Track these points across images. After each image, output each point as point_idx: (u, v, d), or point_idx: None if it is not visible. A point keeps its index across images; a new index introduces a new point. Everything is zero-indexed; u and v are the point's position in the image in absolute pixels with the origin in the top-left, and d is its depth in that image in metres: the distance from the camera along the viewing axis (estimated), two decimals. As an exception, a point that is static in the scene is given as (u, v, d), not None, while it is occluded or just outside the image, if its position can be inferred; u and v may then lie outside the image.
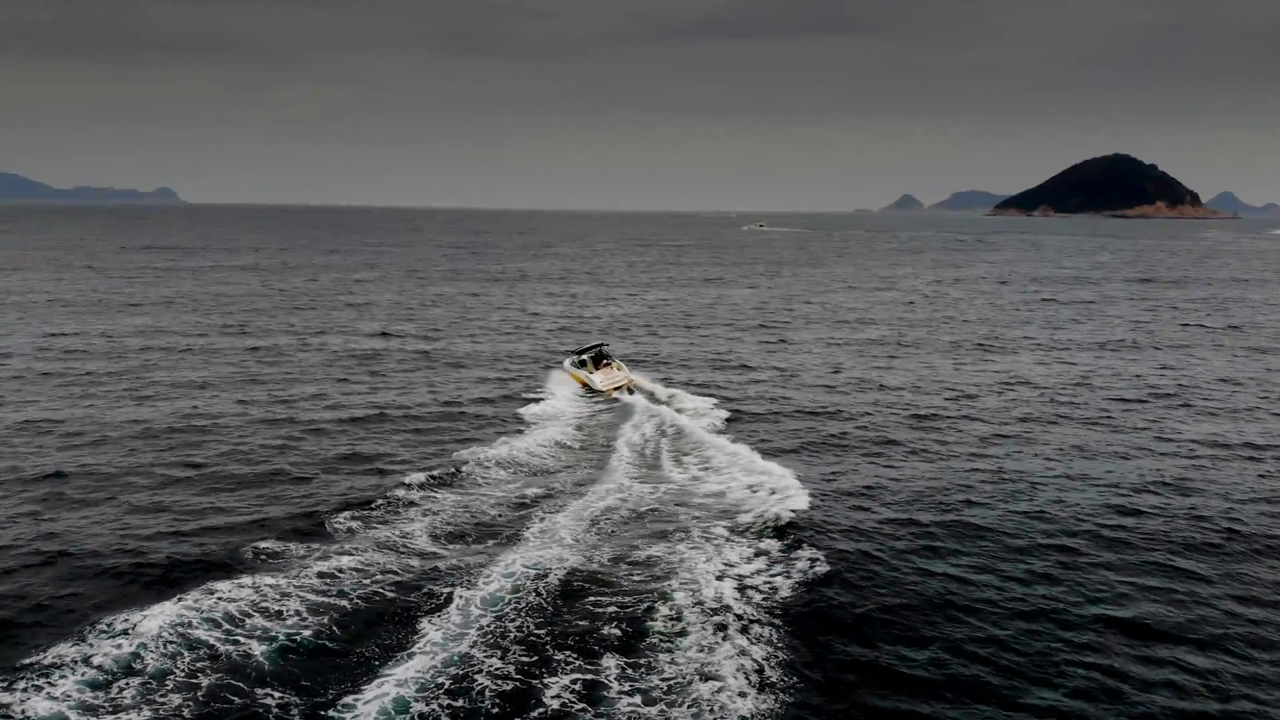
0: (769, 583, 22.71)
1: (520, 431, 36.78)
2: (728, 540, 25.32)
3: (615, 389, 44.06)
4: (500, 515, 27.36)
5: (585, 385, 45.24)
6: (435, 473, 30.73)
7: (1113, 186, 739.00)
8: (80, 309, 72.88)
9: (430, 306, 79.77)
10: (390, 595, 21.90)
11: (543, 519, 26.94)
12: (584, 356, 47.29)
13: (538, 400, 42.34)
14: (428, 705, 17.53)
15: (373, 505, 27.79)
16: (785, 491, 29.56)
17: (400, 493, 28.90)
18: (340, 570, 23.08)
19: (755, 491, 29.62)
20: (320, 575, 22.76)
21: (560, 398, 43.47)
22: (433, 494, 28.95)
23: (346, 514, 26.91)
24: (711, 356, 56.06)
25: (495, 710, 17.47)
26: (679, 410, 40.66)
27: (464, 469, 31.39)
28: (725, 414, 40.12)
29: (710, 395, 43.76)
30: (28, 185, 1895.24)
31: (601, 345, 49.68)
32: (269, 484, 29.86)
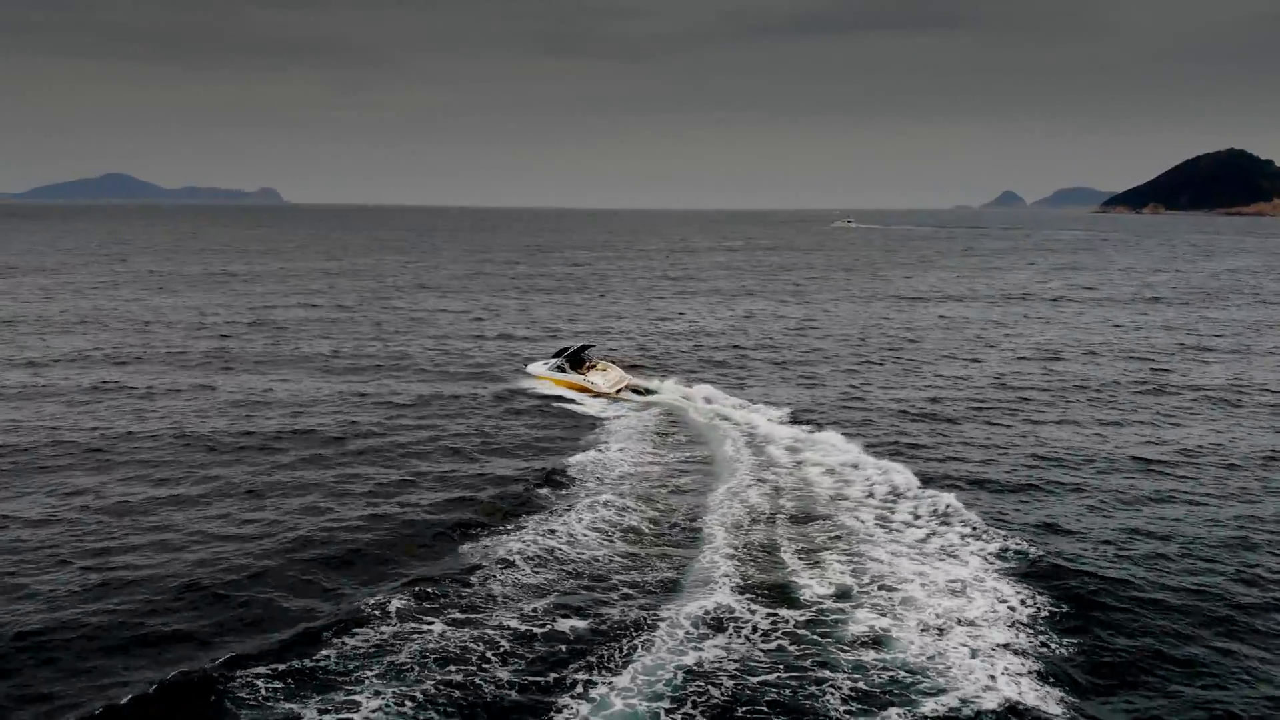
0: None
1: (561, 493, 25.85)
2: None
3: (618, 391, 39.78)
4: (514, 676, 16.35)
5: (581, 390, 39.98)
6: (425, 583, 19.82)
7: (1227, 183, 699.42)
8: (99, 322, 64.59)
9: (486, 319, 69.37)
10: None
11: (585, 688, 15.90)
12: (563, 360, 42.13)
13: (590, 445, 31.30)
14: None
15: (318, 653, 17.05)
16: (986, 628, 18.19)
17: (366, 625, 18.13)
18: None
19: (942, 631, 18.12)
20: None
21: (617, 436, 32.66)
22: (417, 623, 18.07)
23: (263, 669, 16.22)
24: (822, 385, 44.46)
25: None
26: (797, 460, 29.43)
27: (471, 569, 20.54)
28: (865, 469, 28.42)
29: (814, 422, 32.19)
30: (139, 185, 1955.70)
31: (585, 345, 44.75)
32: (167, 640, 18.05)
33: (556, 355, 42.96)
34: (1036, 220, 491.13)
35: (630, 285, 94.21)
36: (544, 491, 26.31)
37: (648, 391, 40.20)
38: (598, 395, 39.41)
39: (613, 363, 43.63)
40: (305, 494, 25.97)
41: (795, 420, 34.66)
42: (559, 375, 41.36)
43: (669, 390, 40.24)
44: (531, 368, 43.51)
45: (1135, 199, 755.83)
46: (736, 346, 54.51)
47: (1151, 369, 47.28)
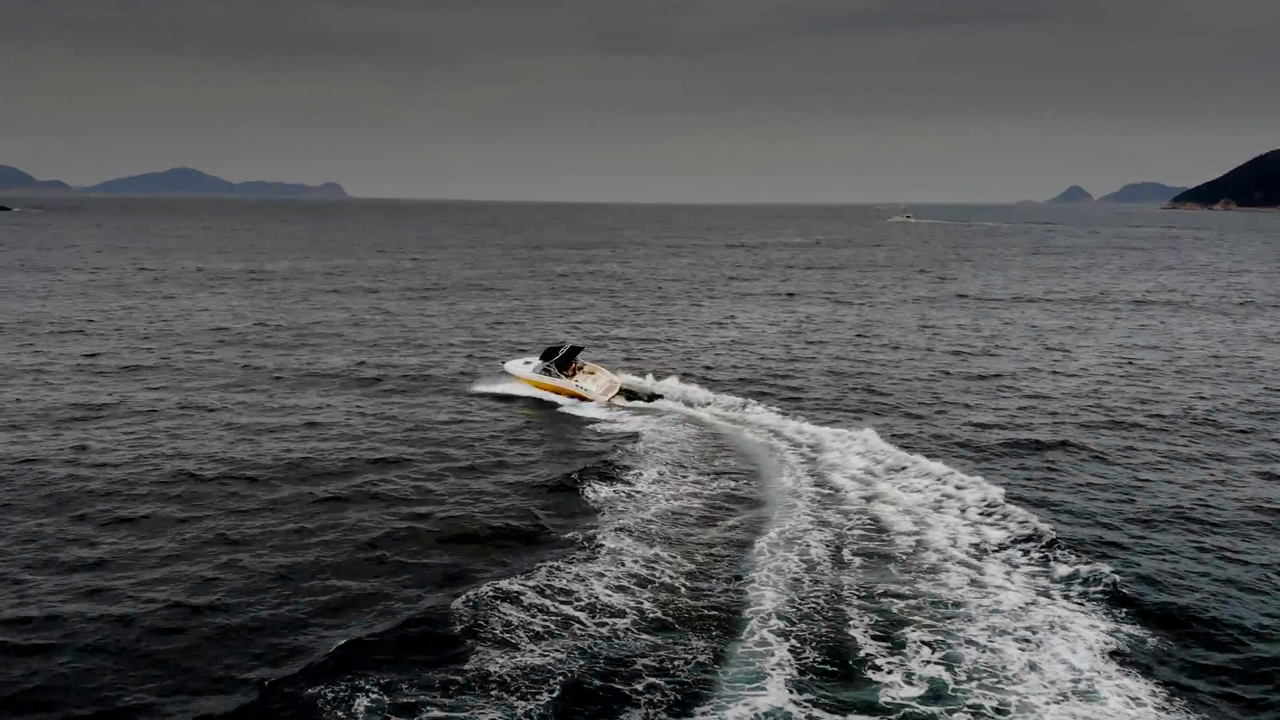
0: None
1: (582, 538, 21.95)
2: None
3: (610, 399, 36.77)
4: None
5: (570, 395, 37.02)
6: (402, 675, 16.01)
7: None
8: (121, 325, 62.18)
9: (526, 323, 65.83)
10: None
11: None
12: (551, 363, 38.29)
13: (614, 474, 27.27)
14: None
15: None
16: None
17: (334, 706, 14.46)
18: None
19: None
20: None
21: (649, 462, 28.56)
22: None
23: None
24: (892, 401, 40.10)
25: None
26: (866, 496, 25.27)
27: (461, 646, 16.75)
28: (946, 512, 24.18)
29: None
30: (205, 180, 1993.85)
31: (575, 348, 40.29)
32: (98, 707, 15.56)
33: (544, 356, 38.79)
34: (1105, 217, 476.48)
35: (682, 286, 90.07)
36: (560, 536, 22.54)
37: (651, 397, 37.32)
38: (588, 402, 36.49)
39: (601, 366, 40.22)
40: (281, 544, 22.17)
41: (863, 445, 30.19)
42: (545, 379, 37.77)
43: (669, 398, 37.19)
44: (510, 366, 39.34)
45: (1206, 195, 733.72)
46: (793, 355, 50.03)
47: (1263, 388, 41.87)
